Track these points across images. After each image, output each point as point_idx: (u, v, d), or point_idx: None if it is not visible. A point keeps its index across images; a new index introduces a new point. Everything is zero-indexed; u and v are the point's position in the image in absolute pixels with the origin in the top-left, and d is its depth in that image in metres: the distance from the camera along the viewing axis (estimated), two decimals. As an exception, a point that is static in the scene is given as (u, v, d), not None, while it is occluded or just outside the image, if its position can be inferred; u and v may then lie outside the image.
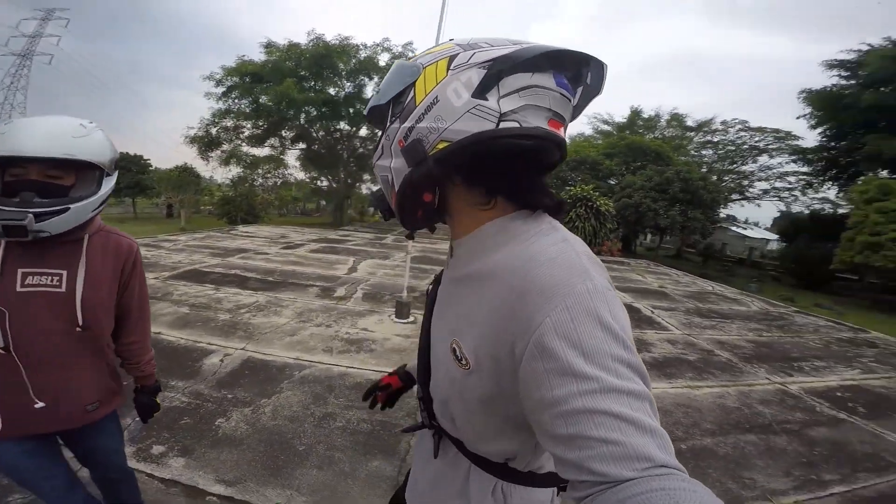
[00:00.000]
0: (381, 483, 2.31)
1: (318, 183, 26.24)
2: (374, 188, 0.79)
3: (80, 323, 1.16)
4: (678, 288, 10.15)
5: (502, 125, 0.56)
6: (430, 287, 0.85)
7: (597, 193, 16.46)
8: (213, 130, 21.41)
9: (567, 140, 0.64)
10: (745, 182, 27.17)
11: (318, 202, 37.15)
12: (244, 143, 22.51)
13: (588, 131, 33.95)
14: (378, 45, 21.20)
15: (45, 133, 1.03)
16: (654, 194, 18.13)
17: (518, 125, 0.57)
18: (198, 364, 3.52)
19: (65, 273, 1.16)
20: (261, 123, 21.83)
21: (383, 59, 21.34)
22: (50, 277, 1.14)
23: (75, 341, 1.19)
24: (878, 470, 2.86)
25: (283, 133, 23.23)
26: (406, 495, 0.92)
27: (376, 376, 3.53)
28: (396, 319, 5.26)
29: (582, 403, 0.44)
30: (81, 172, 1.12)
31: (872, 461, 2.96)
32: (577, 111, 0.66)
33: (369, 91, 22.42)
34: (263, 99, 20.33)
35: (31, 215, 1.01)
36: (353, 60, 20.98)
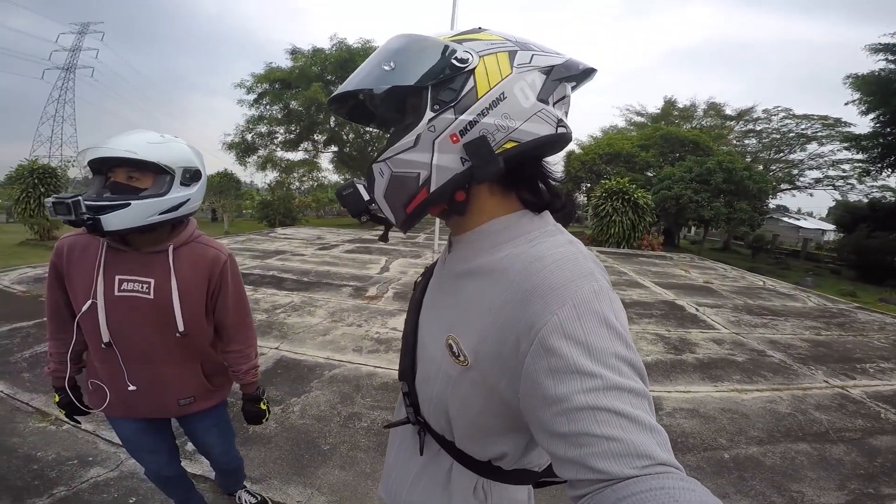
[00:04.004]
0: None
1: (352, 184, 26.61)
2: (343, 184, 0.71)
3: (180, 329, 1.29)
4: (725, 283, 9.61)
5: (559, 130, 0.60)
6: (419, 279, 0.84)
7: (633, 186, 15.87)
8: (248, 136, 22.11)
9: None
10: (795, 171, 25.68)
11: (352, 203, 37.68)
12: (278, 148, 23.13)
13: (621, 123, 32.90)
14: None
15: (124, 141, 1.17)
16: (696, 185, 17.29)
17: (566, 131, 0.61)
18: (234, 364, 3.59)
19: (152, 282, 1.27)
20: (293, 128, 22.36)
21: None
22: (140, 284, 1.27)
23: (173, 344, 1.33)
24: (950, 485, 2.50)
25: (315, 137, 23.70)
26: (382, 490, 0.89)
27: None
28: (426, 319, 5.21)
29: (585, 400, 0.44)
30: (158, 178, 1.22)
31: (944, 475, 2.60)
32: None
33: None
34: (293, 104, 20.79)
35: (79, 198, 1.11)
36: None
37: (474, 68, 0.57)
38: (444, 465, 0.73)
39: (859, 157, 20.62)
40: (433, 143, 0.58)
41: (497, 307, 0.57)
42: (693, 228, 26.16)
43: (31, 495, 2.01)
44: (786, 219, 30.45)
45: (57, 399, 1.41)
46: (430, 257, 10.59)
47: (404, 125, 0.61)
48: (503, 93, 0.56)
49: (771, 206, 22.25)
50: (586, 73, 0.62)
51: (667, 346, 4.76)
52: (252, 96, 21.35)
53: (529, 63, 0.58)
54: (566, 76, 0.59)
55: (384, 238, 0.77)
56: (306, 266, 8.32)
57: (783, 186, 25.77)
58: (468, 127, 0.57)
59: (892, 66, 15.86)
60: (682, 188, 17.38)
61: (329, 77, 21.09)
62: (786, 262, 19.43)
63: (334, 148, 24.43)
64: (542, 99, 0.58)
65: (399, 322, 5.04)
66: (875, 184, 21.92)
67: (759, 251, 21.98)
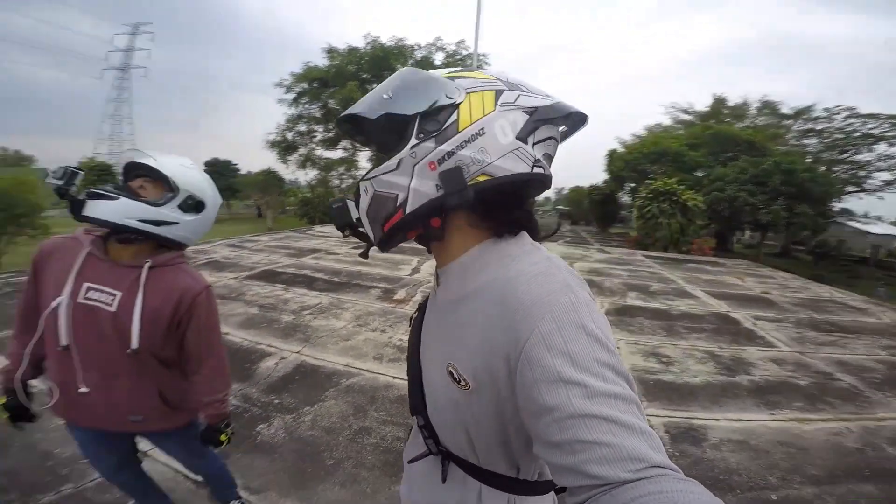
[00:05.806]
0: (395, 509, 2.14)
1: (389, 183, 26.85)
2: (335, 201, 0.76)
3: (132, 346, 1.24)
4: (786, 294, 8.84)
5: (535, 170, 0.62)
6: (415, 315, 0.85)
7: (682, 187, 15.07)
8: (289, 135, 22.64)
9: None
10: (862, 173, 23.79)
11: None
12: (318, 147, 23.54)
13: (667, 121, 31.63)
14: (432, 44, 21.34)
15: (157, 158, 1.27)
16: (752, 187, 16.26)
17: (543, 172, 0.63)
18: (254, 367, 3.55)
19: (118, 295, 1.23)
20: (331, 127, 22.71)
21: (438, 58, 21.38)
22: (106, 295, 1.23)
23: (125, 359, 1.27)
24: None
25: (353, 135, 24.10)
26: None
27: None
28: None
29: (573, 408, 0.45)
30: (163, 194, 1.27)
31: None
32: None
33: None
34: (331, 103, 21.11)
35: (79, 171, 1.22)
36: (410, 61, 21.22)
37: (459, 103, 0.61)
38: (473, 489, 0.73)
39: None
40: (413, 167, 0.62)
41: (485, 328, 0.59)
42: (748, 232, 24.67)
43: (38, 491, 2.04)
44: (852, 223, 28.03)
45: (4, 401, 1.38)
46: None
47: (392, 149, 0.65)
48: (483, 128, 0.60)
49: (835, 209, 20.64)
50: (577, 118, 0.67)
51: (718, 365, 4.33)
52: (291, 95, 21.86)
53: (514, 102, 0.61)
54: (551, 118, 0.62)
55: (364, 255, 0.80)
56: (339, 266, 8.32)
57: (849, 189, 23.90)
58: (446, 157, 0.60)
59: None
60: (736, 190, 16.40)
61: (364, 76, 21.25)
62: (853, 270, 17.94)
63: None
64: (521, 138, 0.60)
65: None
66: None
67: (823, 258, 20.48)
